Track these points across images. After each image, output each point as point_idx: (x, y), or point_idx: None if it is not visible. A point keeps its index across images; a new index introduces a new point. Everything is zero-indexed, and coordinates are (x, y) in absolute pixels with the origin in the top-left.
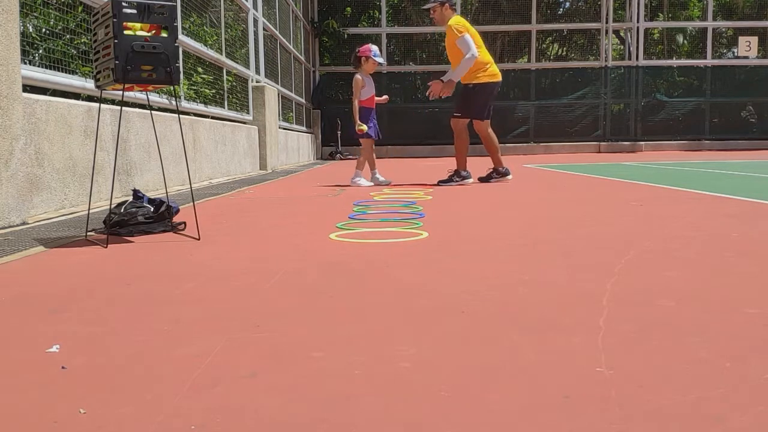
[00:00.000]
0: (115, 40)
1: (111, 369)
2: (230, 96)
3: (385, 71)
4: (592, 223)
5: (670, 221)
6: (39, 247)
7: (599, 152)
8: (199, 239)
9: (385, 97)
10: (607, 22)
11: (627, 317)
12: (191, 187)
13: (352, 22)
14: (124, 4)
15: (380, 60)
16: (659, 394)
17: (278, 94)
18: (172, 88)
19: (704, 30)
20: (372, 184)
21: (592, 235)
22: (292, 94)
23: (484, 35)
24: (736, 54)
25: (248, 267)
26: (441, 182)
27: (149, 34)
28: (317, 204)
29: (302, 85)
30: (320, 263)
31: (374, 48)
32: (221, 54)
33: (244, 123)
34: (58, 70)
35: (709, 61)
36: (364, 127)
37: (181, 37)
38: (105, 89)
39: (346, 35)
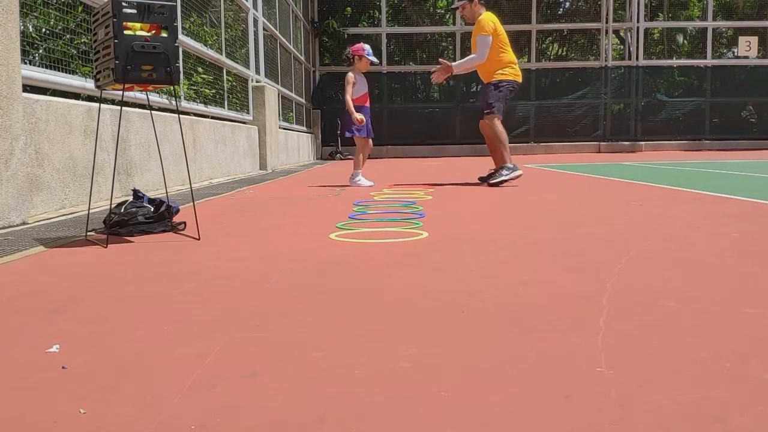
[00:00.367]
0: (115, 40)
1: (111, 369)
2: (230, 96)
3: (385, 71)
4: (592, 223)
5: (670, 221)
6: (39, 247)
7: (599, 152)
8: (199, 239)
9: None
10: (607, 22)
11: (627, 317)
12: (191, 187)
13: (352, 22)
14: (124, 4)
15: (374, 59)
16: (659, 394)
17: (278, 94)
18: (172, 88)
19: (704, 30)
20: (372, 183)
21: (592, 235)
22: (292, 94)
23: None
24: (736, 54)
25: (248, 267)
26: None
27: (149, 34)
28: (317, 204)
29: (302, 85)
30: (320, 263)
31: (367, 47)
32: (221, 54)
33: (244, 123)
34: (58, 70)
35: (709, 61)
36: (361, 116)
37: (181, 37)
38: (105, 89)
39: (346, 35)
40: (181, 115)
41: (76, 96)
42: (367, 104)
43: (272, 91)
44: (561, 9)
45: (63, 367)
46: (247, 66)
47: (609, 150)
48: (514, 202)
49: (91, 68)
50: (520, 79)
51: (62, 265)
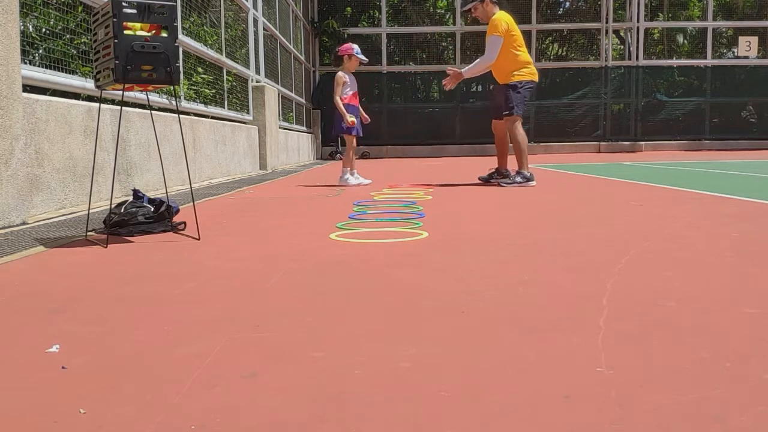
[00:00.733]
0: (115, 40)
1: (111, 369)
2: (230, 96)
3: (385, 71)
4: (592, 223)
5: (670, 221)
6: (39, 247)
7: (599, 152)
8: (199, 239)
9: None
10: (607, 22)
11: (627, 317)
12: (191, 187)
13: (352, 22)
14: (124, 4)
15: (363, 57)
16: (659, 394)
17: (278, 94)
18: (172, 88)
19: (704, 30)
20: (370, 181)
21: (592, 235)
22: (292, 94)
23: (484, 35)
24: (736, 54)
25: (248, 267)
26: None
27: (149, 33)
28: (317, 204)
29: (302, 85)
30: (320, 263)
31: (355, 46)
32: (221, 54)
33: (244, 123)
34: (58, 70)
35: (709, 61)
36: (353, 119)
37: (181, 37)
38: (105, 89)
39: (346, 35)
40: (181, 115)
41: (76, 96)
42: (357, 103)
43: (272, 91)
44: (561, 9)
45: (63, 367)
46: (247, 66)
47: (609, 150)
48: (514, 202)
49: (91, 68)
50: (537, 79)
51: (62, 265)
